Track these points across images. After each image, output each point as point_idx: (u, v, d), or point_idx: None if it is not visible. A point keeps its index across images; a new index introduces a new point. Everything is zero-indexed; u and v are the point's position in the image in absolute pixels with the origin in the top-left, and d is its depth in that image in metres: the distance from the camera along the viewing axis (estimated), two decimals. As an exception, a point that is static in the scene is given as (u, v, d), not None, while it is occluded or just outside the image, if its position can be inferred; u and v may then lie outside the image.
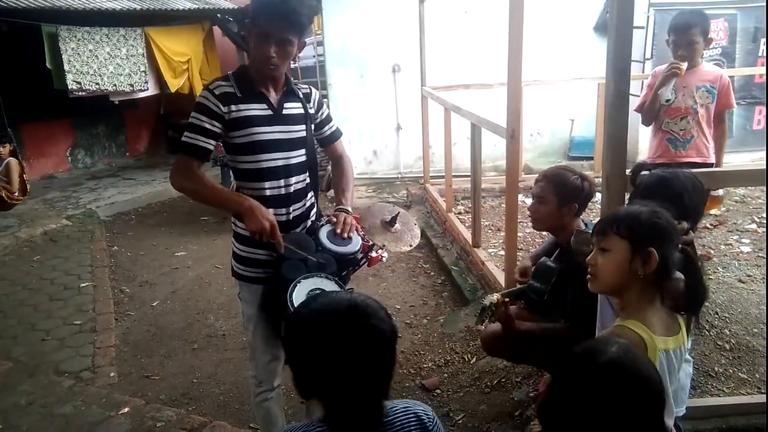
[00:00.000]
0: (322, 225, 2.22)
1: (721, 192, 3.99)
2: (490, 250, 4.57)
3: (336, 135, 2.40)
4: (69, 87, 7.08)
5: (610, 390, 1.09)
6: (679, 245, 1.54)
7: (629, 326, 1.49)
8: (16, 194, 5.93)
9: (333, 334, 1.16)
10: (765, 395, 2.47)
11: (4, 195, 5.78)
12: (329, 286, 1.99)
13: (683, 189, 1.82)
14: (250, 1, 2.09)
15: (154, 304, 4.56)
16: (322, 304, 1.24)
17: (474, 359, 3.32)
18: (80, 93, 7.25)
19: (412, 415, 1.29)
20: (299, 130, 2.18)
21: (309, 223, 2.30)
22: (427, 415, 1.31)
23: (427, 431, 1.29)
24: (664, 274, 1.52)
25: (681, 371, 1.81)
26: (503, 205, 4.09)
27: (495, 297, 2.40)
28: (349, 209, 2.28)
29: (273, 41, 1.99)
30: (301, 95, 2.22)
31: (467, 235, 4.63)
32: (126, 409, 3.08)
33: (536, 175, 2.63)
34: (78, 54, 7.12)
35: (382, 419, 1.23)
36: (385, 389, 1.22)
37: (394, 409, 1.28)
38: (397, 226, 2.37)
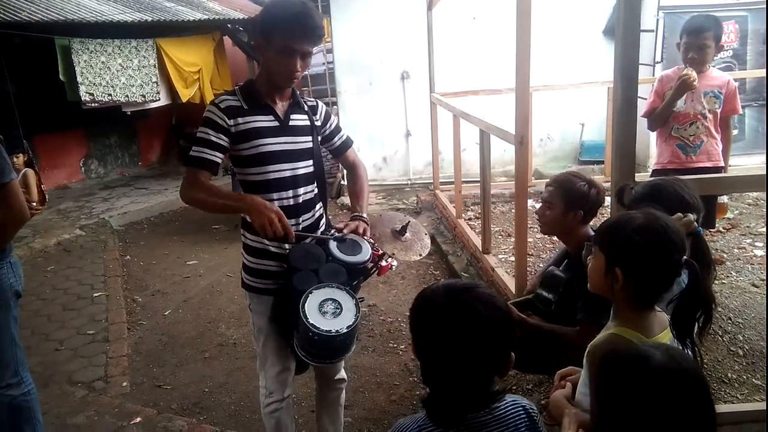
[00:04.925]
0: (332, 235, 2.22)
1: (724, 199, 3.97)
2: (500, 256, 4.54)
3: (347, 144, 2.42)
4: (82, 99, 7.16)
5: (667, 396, 1.04)
6: (682, 260, 1.43)
7: (623, 335, 1.45)
8: (35, 204, 6.01)
9: (431, 313, 1.24)
10: (765, 402, 2.43)
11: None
12: (341, 295, 1.99)
13: (680, 189, 1.80)
14: (263, 16, 2.06)
15: (166, 313, 4.59)
16: (438, 285, 1.30)
17: (485, 367, 3.30)
18: (93, 104, 7.33)
19: (520, 408, 1.30)
20: (306, 141, 2.20)
21: (318, 233, 2.30)
22: (533, 408, 1.33)
23: (534, 423, 1.30)
24: (642, 297, 1.47)
25: None
26: (513, 211, 4.08)
27: None
28: (365, 215, 2.29)
29: (298, 55, 2.01)
30: (306, 108, 2.23)
31: (477, 241, 4.62)
32: (138, 419, 3.10)
33: (547, 180, 2.63)
34: (90, 66, 7.21)
35: (485, 406, 1.24)
36: (486, 375, 1.23)
37: (502, 400, 1.28)
38: (407, 235, 2.36)
